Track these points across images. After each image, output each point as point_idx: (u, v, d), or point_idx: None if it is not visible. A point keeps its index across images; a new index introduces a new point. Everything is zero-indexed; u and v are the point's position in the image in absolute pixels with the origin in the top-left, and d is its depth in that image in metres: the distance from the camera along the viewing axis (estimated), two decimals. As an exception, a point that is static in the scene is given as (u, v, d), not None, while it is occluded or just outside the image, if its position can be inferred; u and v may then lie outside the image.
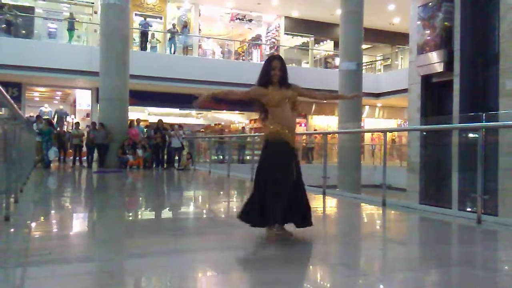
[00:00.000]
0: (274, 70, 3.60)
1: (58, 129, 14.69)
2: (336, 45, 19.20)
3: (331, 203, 6.37)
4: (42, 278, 2.55)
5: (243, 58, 21.67)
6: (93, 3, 18.22)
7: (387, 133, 6.63)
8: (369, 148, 20.88)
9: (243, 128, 20.86)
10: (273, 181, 3.44)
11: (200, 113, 22.05)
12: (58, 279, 2.52)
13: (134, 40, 17.11)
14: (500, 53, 9.07)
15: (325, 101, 4.03)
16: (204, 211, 5.83)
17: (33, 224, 4.36)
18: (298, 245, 3.46)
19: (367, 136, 20.80)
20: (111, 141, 12.42)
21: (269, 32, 21.99)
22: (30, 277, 2.62)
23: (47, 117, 15.27)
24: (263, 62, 3.76)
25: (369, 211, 5.81)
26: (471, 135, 8.44)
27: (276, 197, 3.43)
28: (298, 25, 21.42)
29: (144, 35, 17.34)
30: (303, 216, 3.61)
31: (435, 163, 10.79)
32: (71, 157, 13.58)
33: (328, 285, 2.68)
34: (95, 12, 17.84)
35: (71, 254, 3.18)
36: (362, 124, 17.47)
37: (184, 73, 16.51)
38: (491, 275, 2.85)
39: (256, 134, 12.38)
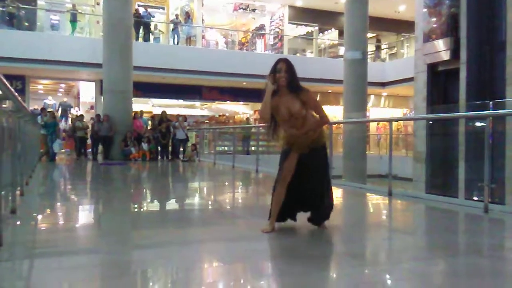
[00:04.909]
0: (279, 73, 3.29)
1: (63, 121, 14.70)
2: (341, 34, 19.02)
3: (337, 194, 6.34)
4: (49, 270, 2.56)
5: (247, 48, 21.56)
6: (95, -6, 18.15)
7: (393, 122, 6.56)
8: (374, 138, 20.80)
9: (248, 118, 20.83)
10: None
11: (204, 104, 22.04)
12: (64, 270, 2.53)
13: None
14: (507, 41, 8.95)
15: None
16: (210, 202, 5.83)
17: (39, 217, 4.37)
18: (304, 236, 3.45)
19: (373, 125, 20.71)
20: (115, 133, 12.44)
21: (273, 21, 21.81)
22: (37, 269, 2.63)
23: (51, 109, 15.28)
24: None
25: (375, 201, 5.79)
26: (478, 123, 8.35)
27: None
28: (302, 14, 21.22)
29: (146, 26, 17.25)
30: (315, 210, 3.51)
31: (441, 152, 10.70)
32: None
33: (335, 275, 2.67)
34: (98, 3, 17.78)
35: (78, 246, 3.19)
36: (367, 114, 17.41)
37: (187, 64, 16.45)
38: (498, 264, 2.83)
39: (261, 125, 12.33)
